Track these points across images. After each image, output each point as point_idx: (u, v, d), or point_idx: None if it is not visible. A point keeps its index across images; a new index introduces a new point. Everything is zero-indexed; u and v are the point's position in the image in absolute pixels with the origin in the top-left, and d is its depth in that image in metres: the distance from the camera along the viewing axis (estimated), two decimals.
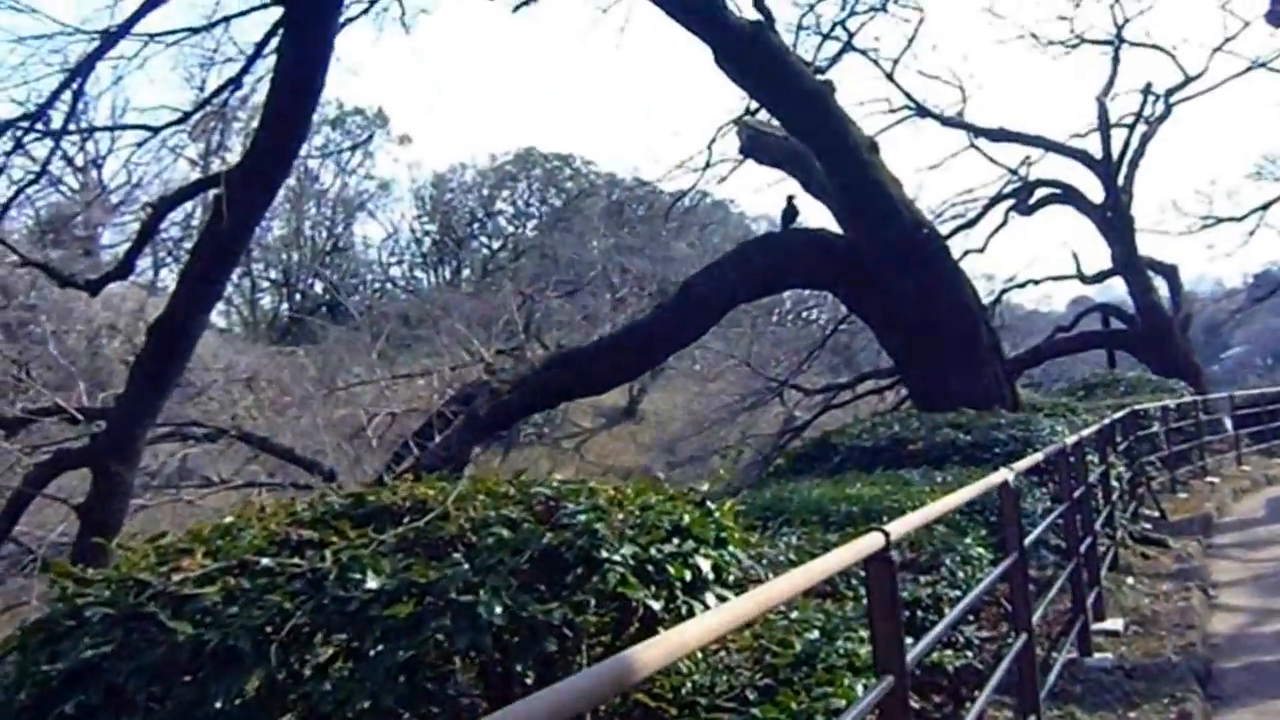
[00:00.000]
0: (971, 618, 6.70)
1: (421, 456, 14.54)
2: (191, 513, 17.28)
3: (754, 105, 21.83)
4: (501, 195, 56.35)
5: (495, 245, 56.20)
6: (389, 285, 54.50)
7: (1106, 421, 12.92)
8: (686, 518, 4.41)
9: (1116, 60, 30.15)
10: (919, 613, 6.06)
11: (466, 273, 55.13)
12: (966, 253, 30.43)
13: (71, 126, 14.70)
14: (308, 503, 4.57)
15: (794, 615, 4.93)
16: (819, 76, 20.42)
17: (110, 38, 12.95)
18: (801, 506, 7.92)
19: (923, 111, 30.13)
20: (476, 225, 56.37)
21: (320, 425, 21.21)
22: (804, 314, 48.43)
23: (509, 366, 21.95)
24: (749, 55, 16.05)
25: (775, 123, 19.02)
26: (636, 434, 42.33)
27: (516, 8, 18.05)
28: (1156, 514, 15.27)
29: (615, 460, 37.91)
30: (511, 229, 56.77)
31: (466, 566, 3.77)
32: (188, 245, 31.85)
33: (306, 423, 22.04)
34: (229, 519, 4.36)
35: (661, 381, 42.15)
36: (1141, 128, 30.35)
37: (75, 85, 13.33)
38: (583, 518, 4.13)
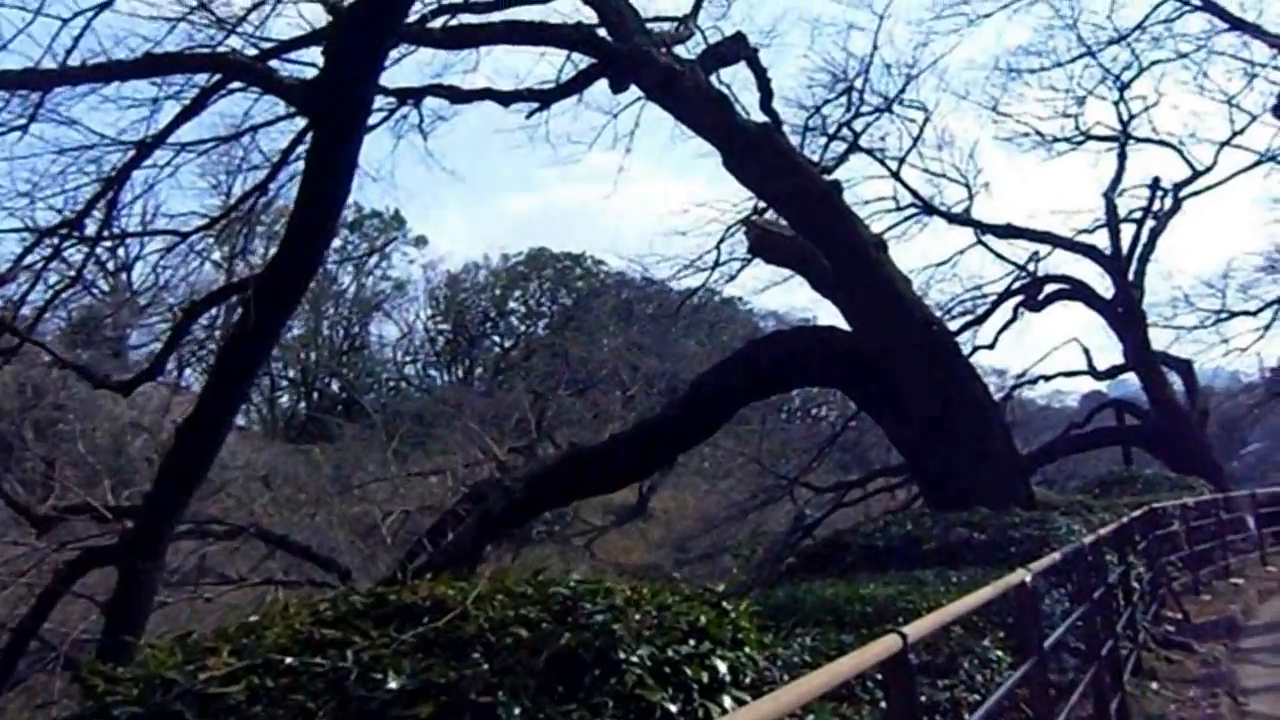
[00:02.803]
0: None
1: (434, 554, 14.52)
2: (208, 610, 17.29)
3: (762, 204, 22.11)
4: (514, 295, 56.83)
5: (507, 344, 56.54)
6: (404, 384, 54.77)
7: (1125, 520, 12.80)
8: (703, 618, 4.43)
9: (1123, 156, 30.50)
10: (937, 718, 5.99)
11: (479, 371, 55.39)
12: (976, 349, 30.60)
13: (106, 233, 15.02)
14: (330, 601, 4.61)
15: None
16: (826, 176, 20.76)
17: (146, 148, 13.31)
18: (815, 607, 7.85)
19: (929, 209, 30.46)
20: (489, 324, 56.78)
21: (335, 522, 21.29)
22: (813, 411, 48.46)
23: (521, 464, 22.04)
24: (757, 157, 16.35)
25: (784, 221, 19.24)
26: (647, 532, 42.01)
27: (530, 114, 18.42)
28: (1179, 616, 14.92)
29: (626, 558, 37.60)
30: (523, 328, 57.15)
31: (486, 667, 3.80)
32: (212, 346, 32.17)
33: (322, 520, 22.12)
34: (254, 617, 4.40)
35: (672, 479, 41.99)
36: (1150, 222, 30.59)
37: (111, 194, 13.70)
38: (600, 618, 4.16)
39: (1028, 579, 5.83)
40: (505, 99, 17.98)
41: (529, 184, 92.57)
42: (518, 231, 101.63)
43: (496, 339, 57.28)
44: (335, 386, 51.23)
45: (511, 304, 57.07)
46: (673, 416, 17.53)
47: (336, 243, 48.46)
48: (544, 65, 45.67)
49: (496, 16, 17.30)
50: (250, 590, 18.53)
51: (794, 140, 23.25)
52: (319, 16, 14.52)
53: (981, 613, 7.23)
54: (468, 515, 15.72)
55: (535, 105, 18.34)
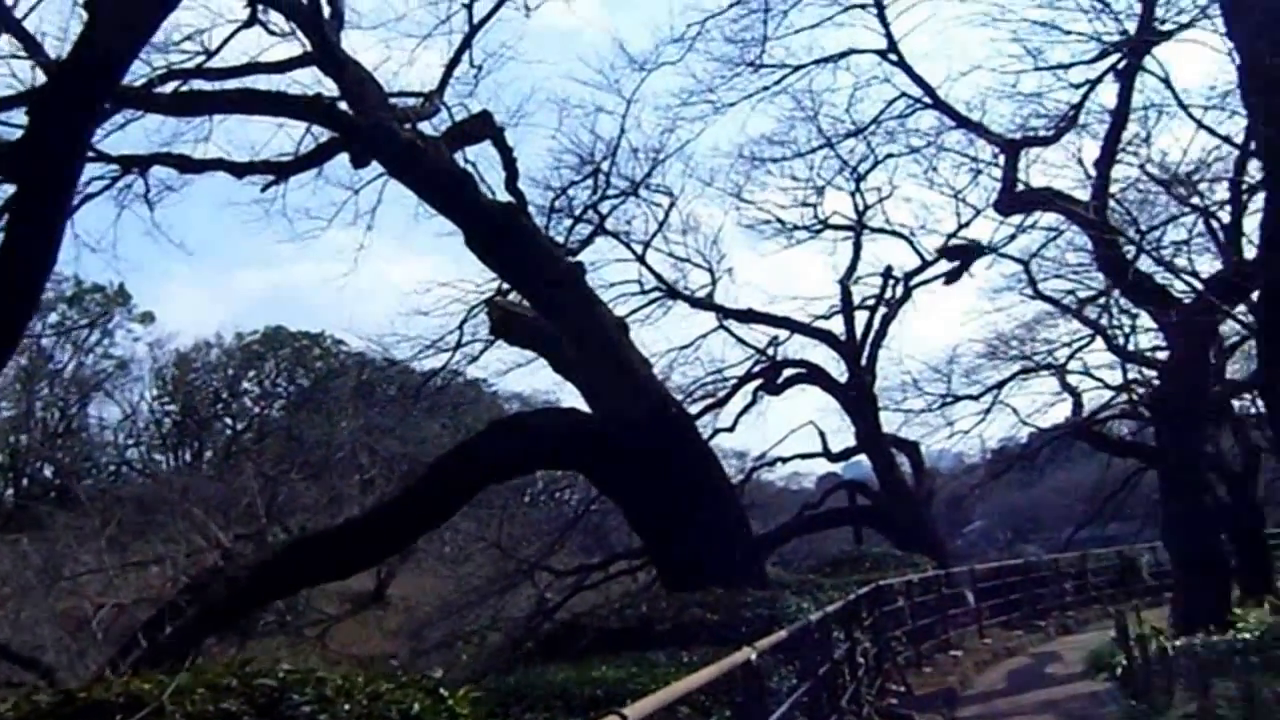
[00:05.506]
0: None
1: (150, 649, 13.70)
2: None
3: (506, 285, 22.06)
4: (248, 375, 54.93)
5: (239, 426, 54.49)
6: (125, 468, 51.78)
7: (851, 597, 13.25)
8: (417, 706, 4.27)
9: (858, 245, 31.87)
10: None
11: (209, 455, 53.04)
12: (716, 432, 31.26)
13: None
14: (11, 703, 4.20)
15: None
16: (572, 258, 20.97)
17: None
18: (546, 691, 7.76)
19: (673, 293, 31.11)
20: (220, 406, 54.64)
21: (42, 618, 19.82)
22: (556, 494, 48.46)
23: (248, 552, 21.10)
24: (499, 238, 16.35)
25: (526, 302, 19.27)
26: (384, 620, 40.89)
27: (265, 187, 17.97)
28: (902, 689, 15.67)
29: (361, 648, 36.37)
30: (257, 410, 55.24)
31: None
32: None
33: (27, 615, 20.59)
34: None
35: (410, 564, 41.11)
36: (883, 310, 32.15)
37: None
38: (308, 709, 3.96)
39: (753, 657, 5.88)
40: (239, 170, 17.47)
41: (266, 260, 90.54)
42: (254, 309, 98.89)
43: (228, 421, 55.15)
44: (48, 472, 47.92)
45: (245, 384, 55.13)
46: (410, 499, 17.16)
47: (53, 318, 45.84)
48: (282, 137, 44.54)
49: (232, 84, 16.82)
50: None
51: (539, 221, 23.37)
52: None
53: (708, 691, 7.27)
54: (189, 607, 14.97)
55: (271, 178, 17.90)
